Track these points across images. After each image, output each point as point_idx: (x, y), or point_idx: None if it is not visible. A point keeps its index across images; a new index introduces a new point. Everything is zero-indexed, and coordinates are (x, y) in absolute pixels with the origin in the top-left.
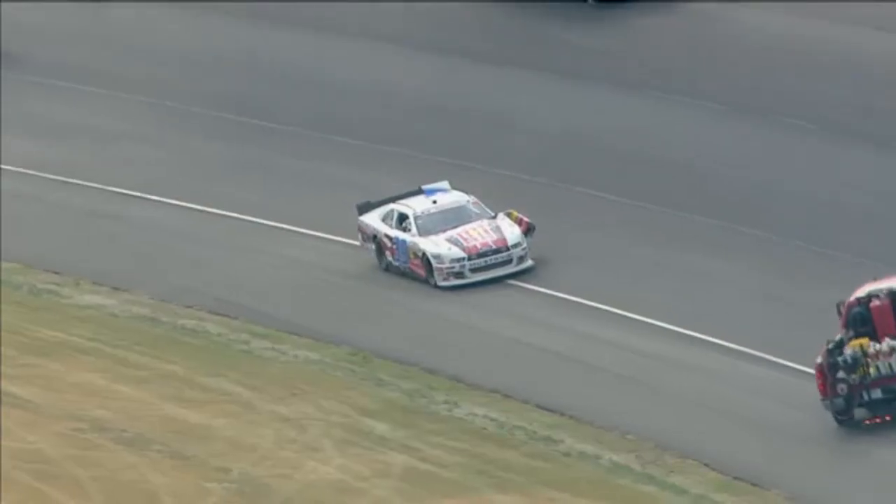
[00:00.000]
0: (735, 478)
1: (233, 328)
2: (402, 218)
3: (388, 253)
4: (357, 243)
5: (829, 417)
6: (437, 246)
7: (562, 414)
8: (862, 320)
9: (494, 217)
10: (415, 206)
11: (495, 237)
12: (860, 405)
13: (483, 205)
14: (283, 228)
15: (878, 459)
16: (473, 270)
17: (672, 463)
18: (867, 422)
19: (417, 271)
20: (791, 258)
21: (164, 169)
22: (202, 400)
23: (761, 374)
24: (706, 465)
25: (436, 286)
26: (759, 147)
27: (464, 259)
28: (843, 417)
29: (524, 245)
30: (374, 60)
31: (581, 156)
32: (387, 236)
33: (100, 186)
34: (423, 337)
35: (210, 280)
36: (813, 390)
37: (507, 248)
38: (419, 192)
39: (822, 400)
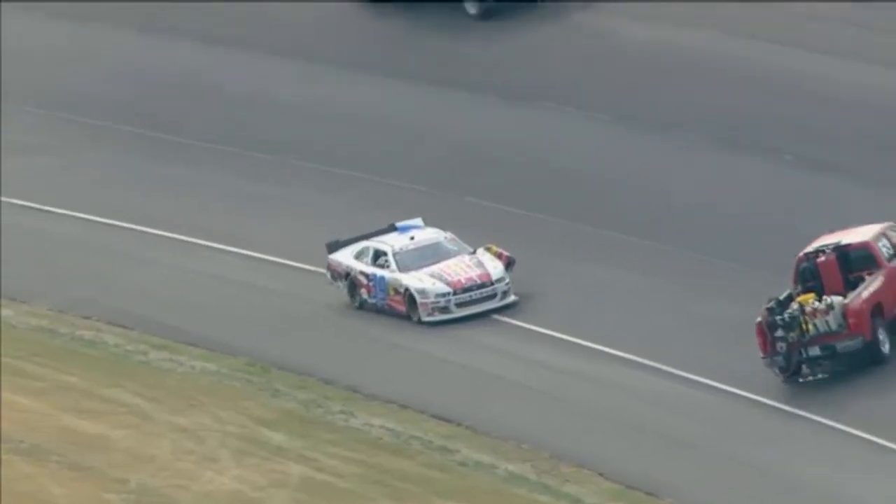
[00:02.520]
0: (629, 487)
1: (130, 339)
2: (379, 255)
3: (363, 290)
4: (329, 281)
5: (720, 428)
6: (421, 281)
7: (458, 424)
8: (810, 275)
9: (474, 252)
10: (392, 242)
11: (479, 272)
12: (800, 362)
13: (459, 240)
14: (181, 240)
15: (764, 469)
16: (459, 305)
17: (567, 472)
18: (802, 379)
19: (397, 307)
20: (686, 269)
21: (63, 180)
22: (100, 411)
23: (658, 386)
24: (601, 474)
25: (419, 321)
26: (649, 157)
27: (449, 294)
28: (786, 375)
29: (507, 280)
30: (271, 74)
31: (473, 166)
32: (362, 273)
33: (2, 199)
34: (319, 348)
35: (108, 291)
36: (709, 401)
37: (492, 283)
38: (392, 228)
39: (763, 358)
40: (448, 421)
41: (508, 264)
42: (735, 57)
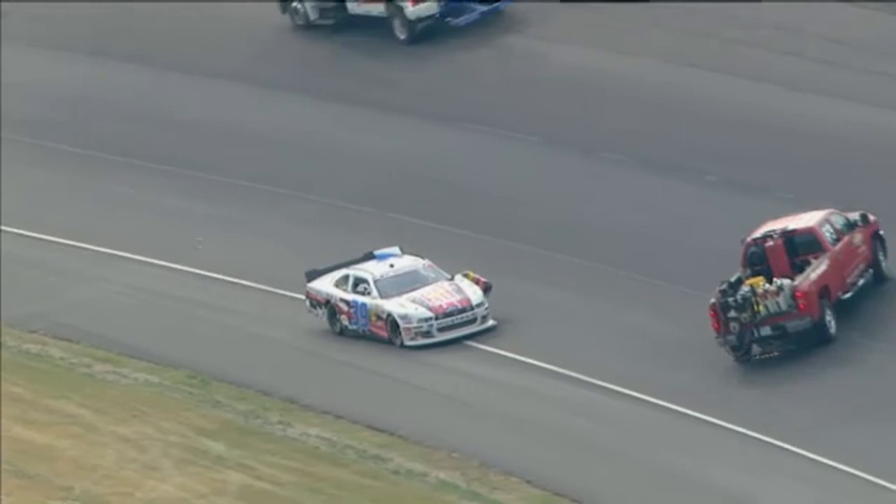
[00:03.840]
0: (556, 494)
1: (75, 352)
2: (359, 282)
3: (343, 317)
4: (308, 309)
5: (645, 438)
6: (404, 307)
7: (391, 434)
8: (758, 259)
9: (452, 279)
10: (372, 270)
11: (459, 297)
12: (752, 342)
13: (437, 268)
14: (123, 257)
15: (684, 476)
16: (440, 330)
17: (496, 480)
18: (757, 356)
19: (379, 333)
20: (610, 284)
21: (6, 199)
22: (46, 421)
23: (585, 398)
24: (529, 481)
25: (401, 346)
26: (576, 178)
27: (431, 319)
28: (738, 353)
29: (486, 304)
30: (208, 96)
31: (404, 186)
32: (343, 300)
33: None
34: (257, 360)
35: (53, 306)
36: (634, 412)
37: (472, 308)
38: (371, 257)
39: (717, 338)
40: (381, 431)
41: (486, 290)
42: (658, 82)
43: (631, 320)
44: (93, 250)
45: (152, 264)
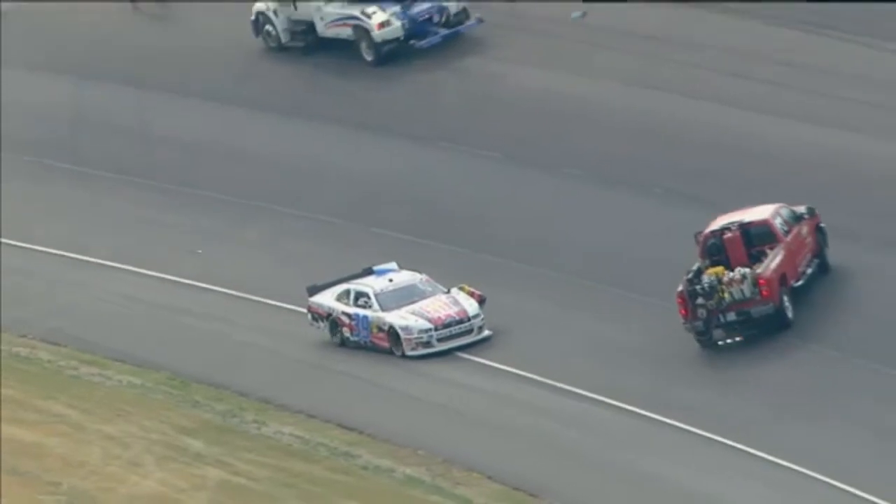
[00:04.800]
0: (515, 488)
1: (62, 356)
2: (360, 296)
3: (345, 329)
4: (309, 322)
5: (600, 436)
6: (405, 319)
7: (360, 432)
8: (717, 250)
9: (448, 292)
10: (372, 284)
11: (457, 309)
12: (717, 327)
13: (434, 282)
14: (107, 265)
15: (637, 473)
16: (440, 340)
17: (458, 476)
18: (720, 342)
19: (380, 343)
20: (572, 293)
21: (3, 211)
22: (35, 421)
23: (544, 399)
24: (489, 477)
25: (403, 356)
26: (536, 193)
27: (431, 329)
28: (703, 338)
29: (482, 316)
30: (187, 114)
31: (377, 200)
32: (344, 314)
33: None
34: (234, 362)
35: (41, 312)
36: (590, 412)
37: (469, 319)
38: (370, 272)
39: (684, 323)
40: (351, 429)
41: (481, 302)
42: (612, 103)
43: (591, 327)
44: (81, 260)
45: (137, 273)
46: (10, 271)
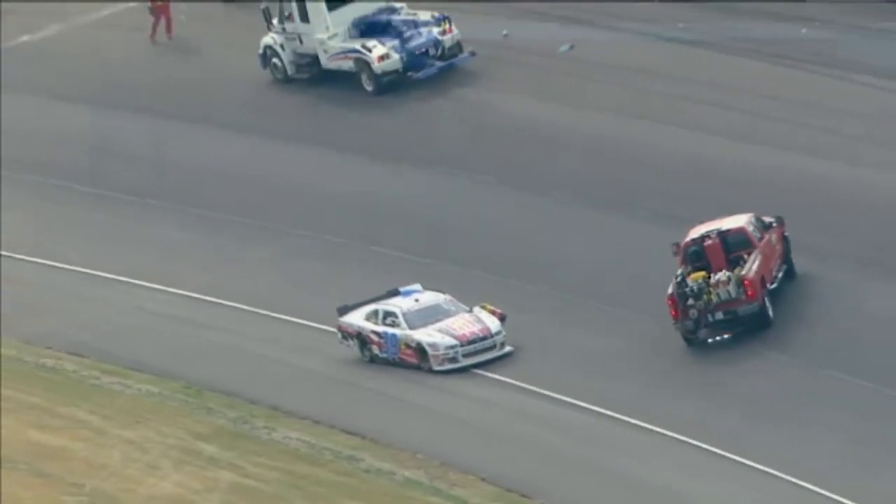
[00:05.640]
0: (507, 490)
1: (85, 366)
2: (388, 315)
3: (374, 346)
4: (339, 340)
5: (586, 441)
6: (431, 336)
7: (363, 437)
8: (697, 256)
9: (471, 311)
10: (399, 304)
11: (480, 327)
12: (705, 326)
13: (457, 301)
14: (126, 282)
15: (621, 474)
16: (465, 356)
17: (455, 478)
18: (710, 340)
19: (408, 359)
20: (562, 307)
21: (24, 232)
22: (60, 426)
23: (534, 406)
24: (483, 479)
25: (430, 371)
26: (527, 213)
27: (457, 346)
28: (691, 337)
29: (503, 332)
30: (202, 141)
31: (379, 221)
32: (374, 332)
33: None
34: (245, 372)
35: (66, 326)
36: (576, 419)
37: (491, 336)
38: (395, 293)
39: (675, 323)
40: (355, 435)
41: (501, 319)
42: (599, 131)
43: (579, 339)
44: (103, 277)
45: (154, 289)
46: (37, 287)
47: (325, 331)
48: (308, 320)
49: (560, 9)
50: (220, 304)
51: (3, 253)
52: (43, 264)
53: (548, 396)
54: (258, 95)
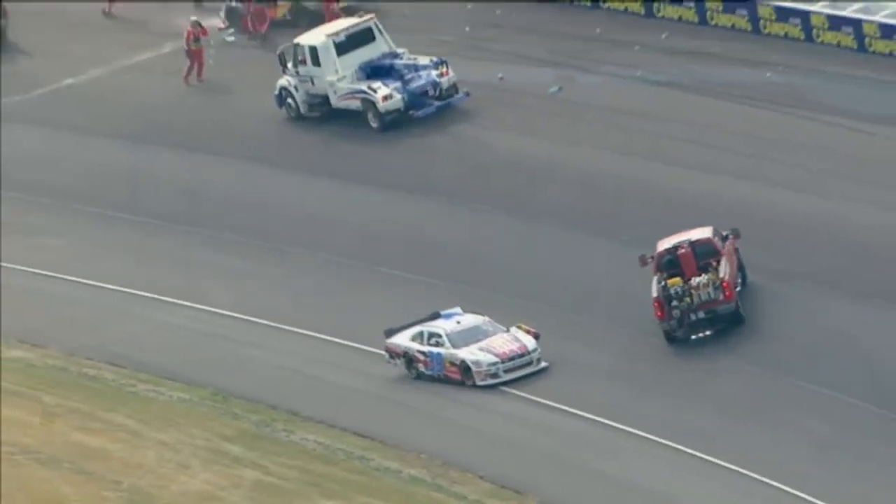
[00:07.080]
0: (502, 487)
1: (123, 375)
2: (433, 336)
3: (420, 365)
4: (386, 360)
5: (573, 442)
6: (474, 354)
7: (373, 439)
8: (671, 264)
9: (508, 330)
10: (443, 326)
11: (518, 345)
12: (687, 325)
13: (495, 322)
14: (161, 300)
15: (605, 474)
16: (506, 371)
17: (455, 476)
18: (693, 337)
19: (452, 376)
20: (557, 323)
21: (68, 255)
22: (100, 429)
23: (526, 411)
24: (481, 477)
25: (473, 385)
26: (519, 238)
27: (498, 363)
28: (674, 335)
29: (539, 350)
30: (221, 171)
31: (383, 244)
32: (420, 352)
33: (25, 269)
34: (269, 380)
35: (106, 339)
36: (571, 424)
37: (528, 353)
38: (437, 316)
39: (660, 323)
40: (365, 437)
41: (536, 337)
42: (585, 165)
43: (571, 350)
44: (139, 295)
45: (186, 306)
46: (79, 304)
47: (339, 343)
48: (322, 333)
49: (553, 54)
50: (244, 319)
51: (50, 274)
52: (84, 283)
53: (541, 403)
54: (275, 132)
